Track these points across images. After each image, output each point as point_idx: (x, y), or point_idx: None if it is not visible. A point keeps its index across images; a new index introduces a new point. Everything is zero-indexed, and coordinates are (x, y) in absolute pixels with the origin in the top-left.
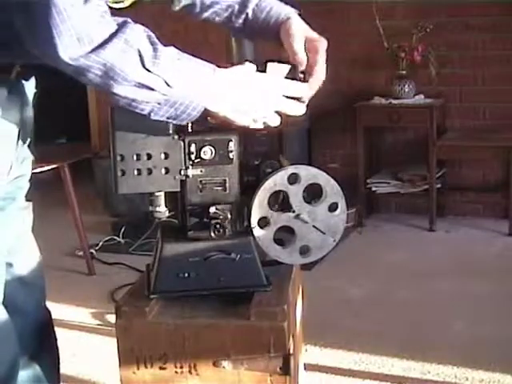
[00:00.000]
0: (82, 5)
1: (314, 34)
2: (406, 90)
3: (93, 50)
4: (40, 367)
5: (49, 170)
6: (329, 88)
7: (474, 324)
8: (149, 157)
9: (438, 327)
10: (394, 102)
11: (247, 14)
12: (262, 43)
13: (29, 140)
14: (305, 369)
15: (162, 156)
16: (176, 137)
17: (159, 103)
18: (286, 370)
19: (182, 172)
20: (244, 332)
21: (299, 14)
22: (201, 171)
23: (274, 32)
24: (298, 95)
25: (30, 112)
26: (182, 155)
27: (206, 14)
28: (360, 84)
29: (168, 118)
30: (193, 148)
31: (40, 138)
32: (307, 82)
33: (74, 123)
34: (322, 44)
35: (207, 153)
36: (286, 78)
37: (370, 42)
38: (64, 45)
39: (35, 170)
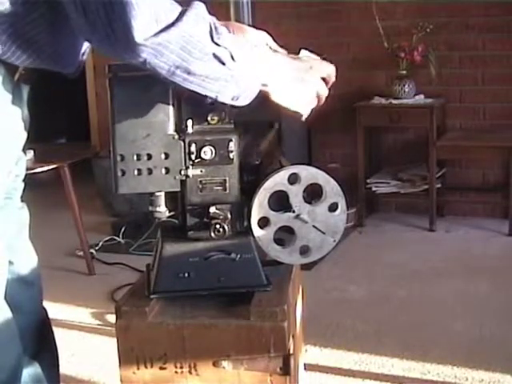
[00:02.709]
0: None
1: None
2: (406, 90)
3: (171, 25)
4: (40, 367)
5: (49, 169)
6: (329, 88)
7: (474, 324)
8: (149, 157)
9: (438, 327)
10: (394, 101)
11: None
12: None
13: (24, 140)
14: (305, 369)
15: (163, 156)
16: (176, 137)
17: (226, 80)
18: (286, 370)
19: (182, 172)
20: (244, 332)
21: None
22: (201, 171)
23: None
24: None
25: (26, 112)
26: (182, 155)
27: None
28: (360, 84)
29: (232, 99)
30: (193, 148)
31: (40, 138)
32: None
33: (74, 123)
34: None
35: (207, 153)
36: None
37: (370, 42)
38: (142, 25)
39: (35, 170)
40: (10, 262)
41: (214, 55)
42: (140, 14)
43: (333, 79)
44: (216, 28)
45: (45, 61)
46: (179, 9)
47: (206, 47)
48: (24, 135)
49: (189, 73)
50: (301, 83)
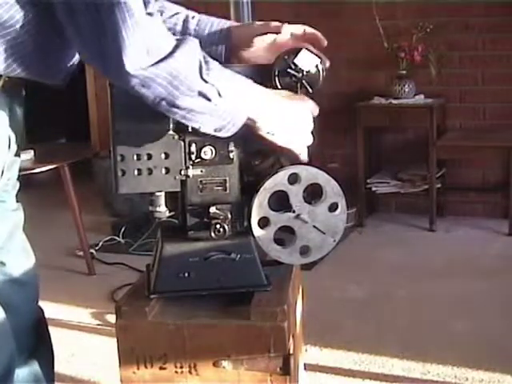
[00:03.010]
0: (151, 17)
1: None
2: (406, 90)
3: (161, 60)
4: (38, 365)
5: (49, 169)
6: (329, 88)
7: (473, 324)
8: (149, 157)
9: (437, 327)
10: (394, 102)
11: (190, 34)
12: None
13: (19, 145)
14: (305, 369)
15: (163, 156)
16: (176, 137)
17: (211, 114)
18: (286, 370)
19: (183, 172)
20: (244, 332)
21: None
22: (201, 171)
23: (221, 44)
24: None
25: (19, 116)
26: (183, 155)
27: None
28: (360, 84)
29: (215, 130)
30: (193, 148)
31: (40, 138)
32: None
33: (74, 123)
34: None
35: (207, 153)
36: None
37: (370, 42)
38: (132, 56)
39: (35, 170)
40: (2, 263)
41: (200, 93)
42: (130, 44)
43: (315, 114)
44: (207, 63)
45: (32, 73)
46: (173, 42)
47: (193, 84)
48: (14, 140)
49: (173, 105)
50: (294, 121)
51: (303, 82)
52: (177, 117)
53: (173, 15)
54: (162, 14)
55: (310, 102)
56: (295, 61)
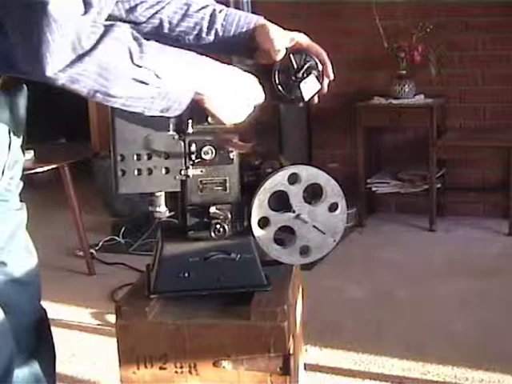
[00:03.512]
0: (80, 16)
1: (301, 37)
2: (406, 90)
3: (86, 53)
4: (39, 365)
5: (49, 169)
6: (329, 88)
7: (473, 324)
8: (149, 157)
9: (438, 327)
10: (394, 101)
11: (216, 29)
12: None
13: (20, 143)
14: (305, 369)
15: (163, 156)
16: (176, 137)
17: (152, 97)
18: (286, 370)
19: (183, 172)
20: (244, 332)
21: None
22: (201, 171)
23: (246, 42)
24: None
25: (21, 115)
26: (183, 155)
27: (174, 34)
28: (360, 84)
29: (161, 112)
30: (193, 148)
31: (40, 138)
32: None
33: (74, 123)
34: (317, 46)
35: (207, 153)
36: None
37: (370, 42)
38: (56, 54)
39: (35, 170)
40: (4, 263)
41: (134, 79)
42: (53, 42)
43: (261, 97)
44: (141, 46)
45: (16, 71)
46: (98, 32)
47: (123, 72)
48: (15, 139)
49: (109, 95)
50: (229, 99)
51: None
52: (116, 105)
53: (200, 9)
54: (188, 8)
55: (256, 81)
56: (301, 84)
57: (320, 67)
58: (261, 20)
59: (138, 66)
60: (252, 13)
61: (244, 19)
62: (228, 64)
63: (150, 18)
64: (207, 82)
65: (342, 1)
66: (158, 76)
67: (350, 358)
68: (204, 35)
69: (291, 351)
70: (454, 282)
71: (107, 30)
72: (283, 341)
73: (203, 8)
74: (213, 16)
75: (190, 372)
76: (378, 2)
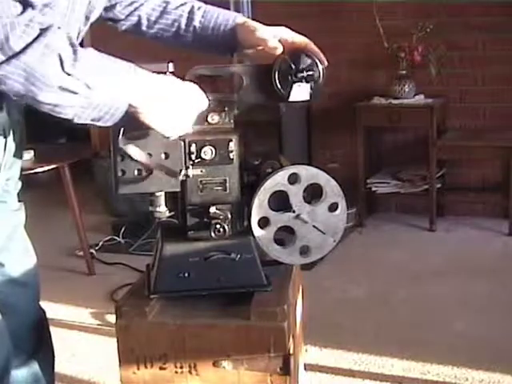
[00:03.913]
0: (13, 15)
1: (287, 33)
2: (406, 90)
3: (13, 56)
4: (38, 366)
5: (49, 169)
6: (329, 88)
7: (474, 324)
8: (149, 157)
9: (438, 327)
10: (394, 101)
11: (195, 26)
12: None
13: (18, 145)
14: (305, 369)
15: (163, 156)
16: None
17: (82, 106)
18: (286, 369)
19: (183, 172)
20: (244, 332)
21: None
22: (201, 171)
23: (226, 40)
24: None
25: (17, 115)
26: (183, 155)
27: (152, 31)
28: (360, 84)
29: (92, 121)
30: (193, 148)
31: (40, 138)
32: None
33: (74, 123)
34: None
35: (207, 153)
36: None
37: (370, 42)
38: None
39: (35, 170)
40: (1, 264)
41: (62, 87)
42: None
43: (205, 104)
44: (75, 54)
45: None
46: (31, 35)
47: (51, 81)
48: (11, 140)
49: (36, 100)
50: (163, 115)
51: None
52: (45, 111)
53: (178, 6)
54: (167, 6)
55: (199, 92)
56: (295, 85)
57: (320, 67)
58: (239, 18)
59: (67, 74)
60: (252, 13)
61: (223, 17)
62: (226, 65)
63: (128, 15)
64: (143, 95)
65: (342, 1)
66: (88, 86)
67: (349, 357)
68: (182, 32)
69: (291, 351)
70: (454, 281)
71: (41, 34)
72: (283, 341)
73: (182, 5)
74: (191, 13)
75: (189, 372)
76: (378, 2)
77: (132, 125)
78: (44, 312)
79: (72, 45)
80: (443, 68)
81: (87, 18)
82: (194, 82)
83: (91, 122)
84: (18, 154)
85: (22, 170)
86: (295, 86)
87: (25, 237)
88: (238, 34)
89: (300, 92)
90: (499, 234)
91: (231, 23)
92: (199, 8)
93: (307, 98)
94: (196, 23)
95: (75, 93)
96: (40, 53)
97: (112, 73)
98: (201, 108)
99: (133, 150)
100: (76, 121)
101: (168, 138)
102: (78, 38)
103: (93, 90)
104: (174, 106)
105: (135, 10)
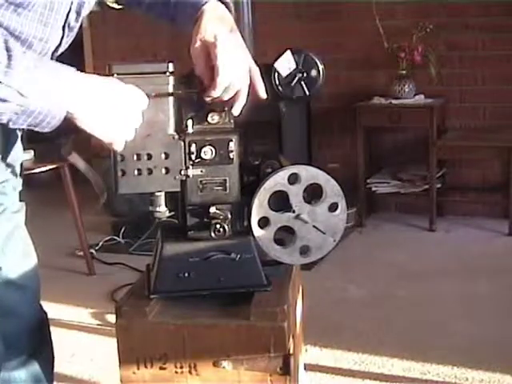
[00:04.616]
0: None
1: (219, 33)
2: (406, 90)
3: None
4: (39, 366)
5: (49, 169)
6: (329, 88)
7: (474, 324)
8: (149, 157)
9: (438, 327)
10: (394, 101)
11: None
12: None
13: (15, 144)
14: (305, 369)
15: (163, 156)
16: (176, 137)
17: (16, 113)
18: (286, 369)
19: (183, 172)
20: (244, 332)
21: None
22: (201, 171)
23: (191, 19)
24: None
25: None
26: (183, 155)
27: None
28: (360, 84)
29: (29, 126)
30: (193, 148)
31: (40, 138)
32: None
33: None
34: (221, 48)
35: (207, 153)
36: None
37: (369, 42)
38: None
39: (35, 170)
40: None
41: None
42: None
43: (144, 105)
44: (10, 60)
45: None
46: None
47: None
48: (11, 143)
49: None
50: (104, 123)
51: (302, 83)
52: None
53: None
54: None
55: (139, 92)
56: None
57: (321, 67)
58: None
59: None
60: (252, 13)
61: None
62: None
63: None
64: (80, 102)
65: (342, 1)
66: (22, 94)
67: (349, 357)
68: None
69: (291, 351)
70: (454, 281)
71: None
72: (283, 341)
73: None
74: None
75: (189, 372)
76: (377, 2)
77: (72, 130)
78: (45, 313)
79: (8, 49)
80: (443, 68)
81: (78, 14)
82: (193, 81)
83: (29, 127)
84: (15, 155)
85: (22, 169)
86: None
87: (24, 238)
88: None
89: (286, 62)
90: (499, 234)
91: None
92: None
93: (294, 66)
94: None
95: (5, 100)
96: None
97: (48, 79)
98: (141, 109)
99: (75, 159)
100: (12, 126)
101: (113, 147)
102: (68, 35)
103: (27, 97)
104: (112, 109)
105: None
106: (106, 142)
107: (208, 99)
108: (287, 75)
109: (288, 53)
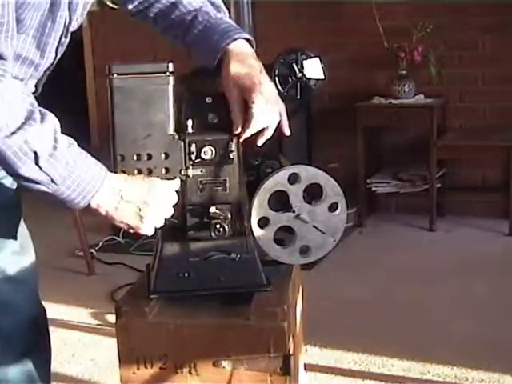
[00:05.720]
0: (3, 80)
1: (254, 78)
2: (406, 90)
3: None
4: (33, 364)
5: None
6: (329, 88)
7: (474, 324)
8: (149, 157)
9: (438, 327)
10: (394, 101)
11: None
12: None
13: None
14: (305, 369)
15: (163, 156)
16: (176, 137)
17: (44, 192)
18: (286, 370)
19: (183, 172)
20: (244, 332)
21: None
22: (201, 171)
23: (213, 57)
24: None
25: None
26: (183, 155)
27: (159, 28)
28: (360, 84)
29: (51, 203)
30: (193, 148)
31: None
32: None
33: (74, 123)
34: (257, 95)
35: (207, 153)
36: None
37: (370, 42)
38: None
39: None
40: None
41: (26, 178)
42: None
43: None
44: (51, 152)
45: None
46: (22, 110)
47: (17, 171)
48: None
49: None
50: (142, 210)
51: (302, 84)
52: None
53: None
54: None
55: (173, 184)
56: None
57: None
58: (231, 36)
59: (40, 168)
60: (252, 13)
61: (224, 27)
62: None
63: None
64: (105, 200)
65: (342, 1)
66: (55, 183)
67: (349, 357)
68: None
69: (291, 351)
70: (454, 281)
71: (24, 122)
72: (283, 341)
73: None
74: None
75: (189, 372)
76: (377, 2)
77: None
78: (44, 310)
79: (55, 140)
80: (443, 68)
81: (67, 30)
82: (195, 80)
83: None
84: None
85: None
86: (306, 63)
87: (22, 234)
88: (222, 68)
89: (313, 68)
90: (499, 234)
91: (224, 44)
92: (200, 22)
93: (322, 76)
94: (193, 34)
95: (39, 184)
96: (17, 146)
97: (82, 175)
98: (172, 204)
99: None
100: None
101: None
102: (57, 52)
103: (58, 186)
104: (144, 205)
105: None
106: (139, 231)
107: (240, 140)
108: (287, 75)
109: (316, 60)
